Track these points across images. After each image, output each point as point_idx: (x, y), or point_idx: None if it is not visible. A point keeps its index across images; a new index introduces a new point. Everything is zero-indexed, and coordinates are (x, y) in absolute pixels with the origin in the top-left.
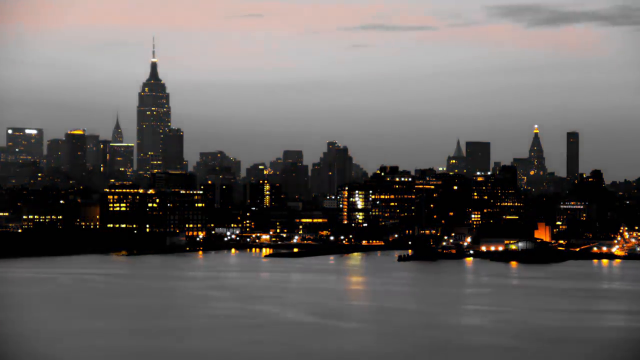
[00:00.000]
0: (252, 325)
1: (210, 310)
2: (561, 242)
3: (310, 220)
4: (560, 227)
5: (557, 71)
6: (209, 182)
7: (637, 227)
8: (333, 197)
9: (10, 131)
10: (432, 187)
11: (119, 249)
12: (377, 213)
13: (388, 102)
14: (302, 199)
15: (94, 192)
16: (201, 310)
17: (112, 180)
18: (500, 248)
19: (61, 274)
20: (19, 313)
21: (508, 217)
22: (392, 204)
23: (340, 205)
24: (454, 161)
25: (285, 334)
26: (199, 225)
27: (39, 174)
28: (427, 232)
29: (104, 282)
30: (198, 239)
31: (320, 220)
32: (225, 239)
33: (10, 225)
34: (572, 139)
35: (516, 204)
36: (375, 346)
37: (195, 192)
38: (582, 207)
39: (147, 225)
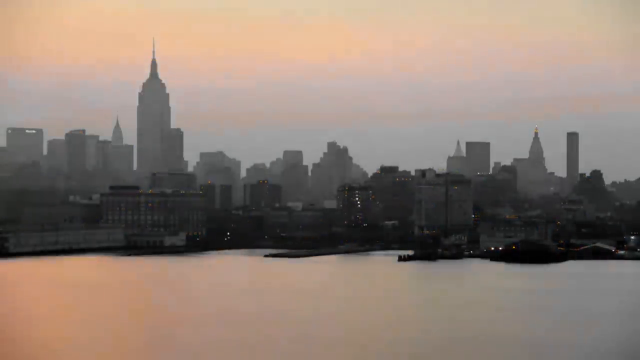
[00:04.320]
0: None
1: None
2: (561, 242)
3: (310, 220)
4: (560, 227)
5: (557, 71)
6: (209, 182)
7: (637, 227)
8: (333, 197)
9: (10, 131)
10: (432, 187)
11: (119, 250)
12: (377, 213)
13: (388, 102)
14: (302, 199)
15: (94, 192)
16: None
17: (112, 181)
18: (500, 248)
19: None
20: None
21: (508, 217)
22: (392, 204)
23: (340, 206)
24: (454, 161)
25: None
26: (198, 226)
27: (39, 174)
28: (427, 232)
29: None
30: (198, 239)
31: (320, 220)
32: (225, 239)
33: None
34: (572, 139)
35: (517, 204)
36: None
37: (195, 192)
38: (582, 207)
39: (147, 226)
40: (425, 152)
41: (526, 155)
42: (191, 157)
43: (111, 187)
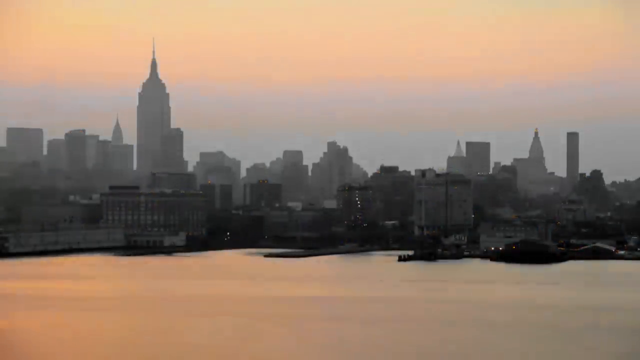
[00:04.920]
0: None
1: None
2: (561, 242)
3: (310, 220)
4: (560, 227)
5: (558, 71)
6: (209, 182)
7: (637, 227)
8: (333, 197)
9: (10, 131)
10: (432, 187)
11: (119, 249)
12: (377, 213)
13: (388, 102)
14: (302, 199)
15: (94, 192)
16: None
17: (112, 181)
18: (500, 248)
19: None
20: None
21: (508, 217)
22: (392, 204)
23: (340, 206)
24: (454, 161)
25: None
26: (198, 226)
27: (39, 174)
28: (427, 232)
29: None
30: (198, 239)
31: (320, 220)
32: (225, 239)
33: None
34: (572, 139)
35: (517, 204)
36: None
37: (195, 192)
38: (582, 207)
39: (147, 226)
40: (425, 152)
41: (526, 155)
42: (191, 157)
43: (111, 187)
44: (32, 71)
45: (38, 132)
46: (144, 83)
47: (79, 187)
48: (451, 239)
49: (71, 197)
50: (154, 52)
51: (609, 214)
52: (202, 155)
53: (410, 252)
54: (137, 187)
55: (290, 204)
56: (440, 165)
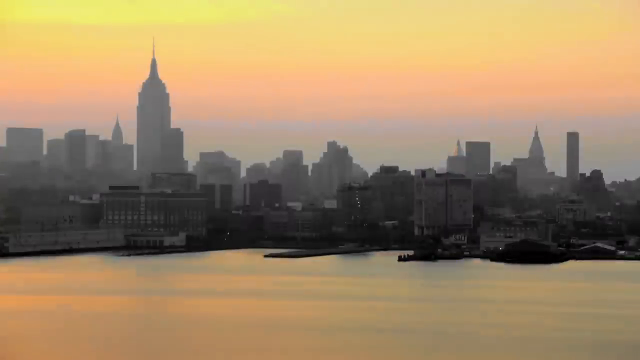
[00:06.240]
0: None
1: None
2: (561, 242)
3: (310, 220)
4: (560, 227)
5: (558, 71)
6: (209, 182)
7: (637, 227)
8: (333, 197)
9: (10, 131)
10: (432, 187)
11: (119, 249)
12: (377, 213)
13: (388, 102)
14: (302, 199)
15: (94, 192)
16: None
17: (112, 181)
18: (500, 248)
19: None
20: None
21: (508, 217)
22: (392, 204)
23: (340, 206)
24: (454, 161)
25: None
26: (198, 226)
27: (39, 174)
28: (427, 232)
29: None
30: (198, 239)
31: (320, 220)
32: (225, 239)
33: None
34: (572, 139)
35: (517, 204)
36: None
37: (195, 192)
38: (582, 207)
39: (147, 226)
40: (425, 152)
41: (526, 155)
42: (191, 157)
43: (111, 187)
44: (32, 70)
45: (38, 132)
46: (144, 83)
47: (79, 187)
48: (451, 239)
49: (71, 197)
50: (154, 52)
51: (609, 214)
52: (202, 155)
53: (410, 252)
54: (137, 187)
55: (290, 204)
56: (441, 166)
